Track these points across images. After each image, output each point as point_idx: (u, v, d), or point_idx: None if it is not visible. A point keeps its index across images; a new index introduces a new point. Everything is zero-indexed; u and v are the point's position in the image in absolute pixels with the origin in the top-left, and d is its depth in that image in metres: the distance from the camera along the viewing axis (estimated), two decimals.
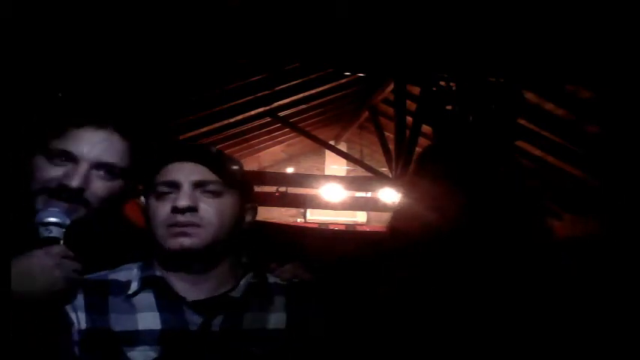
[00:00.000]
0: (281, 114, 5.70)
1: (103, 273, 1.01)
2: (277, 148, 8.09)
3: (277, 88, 4.91)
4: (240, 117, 5.22)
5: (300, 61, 4.06)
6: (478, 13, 3.02)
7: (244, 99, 4.79)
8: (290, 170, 8.72)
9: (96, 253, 1.00)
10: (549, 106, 4.53)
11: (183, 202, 0.96)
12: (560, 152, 5.01)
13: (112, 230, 1.09)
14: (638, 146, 3.94)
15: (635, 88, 3.49)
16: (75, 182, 1.01)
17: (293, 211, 8.41)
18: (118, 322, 0.94)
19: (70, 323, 0.93)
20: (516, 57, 3.39)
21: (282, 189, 5.58)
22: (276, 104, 5.33)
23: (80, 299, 0.96)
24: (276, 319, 1.00)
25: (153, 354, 0.91)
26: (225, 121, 5.18)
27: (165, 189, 0.99)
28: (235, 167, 1.05)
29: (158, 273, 0.99)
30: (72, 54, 2.87)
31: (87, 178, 1.02)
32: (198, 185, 0.99)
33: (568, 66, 3.47)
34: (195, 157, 1.01)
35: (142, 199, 1.04)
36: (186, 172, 0.99)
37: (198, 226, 0.97)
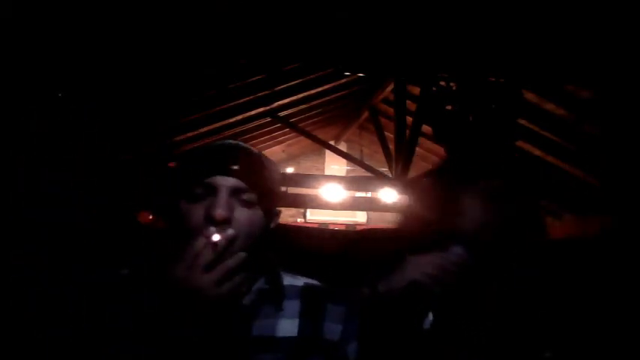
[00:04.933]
0: (281, 114, 5.70)
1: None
2: (277, 148, 8.09)
3: (277, 88, 4.91)
4: (240, 117, 5.23)
5: (300, 61, 4.06)
6: (478, 13, 3.02)
7: (244, 99, 4.80)
8: (290, 170, 8.72)
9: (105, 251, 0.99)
10: (549, 106, 4.53)
11: (220, 211, 0.90)
12: (560, 152, 5.02)
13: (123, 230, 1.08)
14: (638, 146, 3.94)
15: (635, 88, 3.49)
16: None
17: (293, 211, 8.42)
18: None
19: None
20: (516, 57, 3.39)
21: (283, 189, 5.57)
22: (276, 104, 5.33)
23: None
24: (287, 326, 0.96)
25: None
26: (225, 121, 5.18)
27: (200, 191, 0.93)
28: (273, 174, 1.00)
29: None
30: (72, 54, 2.88)
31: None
32: (235, 192, 0.93)
33: (568, 66, 3.47)
34: (235, 162, 0.95)
35: (165, 199, 1.00)
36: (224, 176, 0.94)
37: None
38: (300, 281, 1.04)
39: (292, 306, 0.99)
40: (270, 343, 0.94)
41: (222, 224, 0.90)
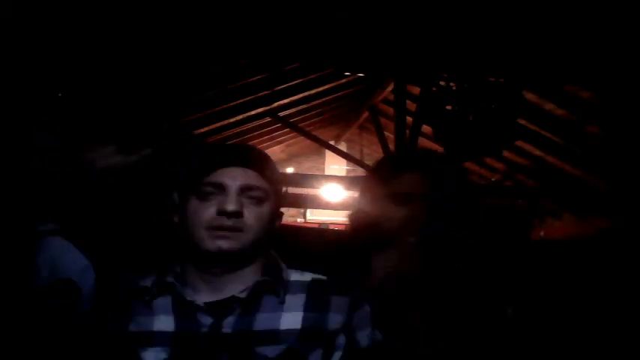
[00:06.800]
0: (281, 114, 5.69)
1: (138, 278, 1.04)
2: (277, 148, 8.09)
3: (277, 88, 4.91)
4: (240, 117, 5.23)
5: (300, 61, 4.06)
6: (478, 13, 3.02)
7: (244, 99, 4.80)
8: (290, 170, 8.72)
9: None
10: (549, 106, 4.53)
11: (231, 206, 0.97)
12: (560, 152, 5.02)
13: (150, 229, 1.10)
14: (638, 146, 3.94)
15: (635, 88, 3.49)
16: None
17: (293, 211, 8.41)
18: (136, 324, 0.96)
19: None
20: (516, 57, 3.39)
21: (284, 189, 5.56)
22: (276, 104, 5.33)
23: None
24: (290, 319, 0.98)
25: (164, 355, 0.92)
26: (226, 121, 5.19)
27: (209, 189, 0.99)
28: (278, 174, 1.07)
29: (169, 279, 1.00)
30: (72, 54, 2.88)
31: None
32: (244, 190, 0.99)
33: (568, 66, 3.47)
34: (244, 161, 1.01)
35: (175, 197, 1.03)
36: (233, 175, 0.99)
37: (240, 230, 0.97)
38: (307, 277, 1.06)
39: (297, 300, 1.00)
40: (273, 336, 0.95)
41: (233, 217, 0.96)
